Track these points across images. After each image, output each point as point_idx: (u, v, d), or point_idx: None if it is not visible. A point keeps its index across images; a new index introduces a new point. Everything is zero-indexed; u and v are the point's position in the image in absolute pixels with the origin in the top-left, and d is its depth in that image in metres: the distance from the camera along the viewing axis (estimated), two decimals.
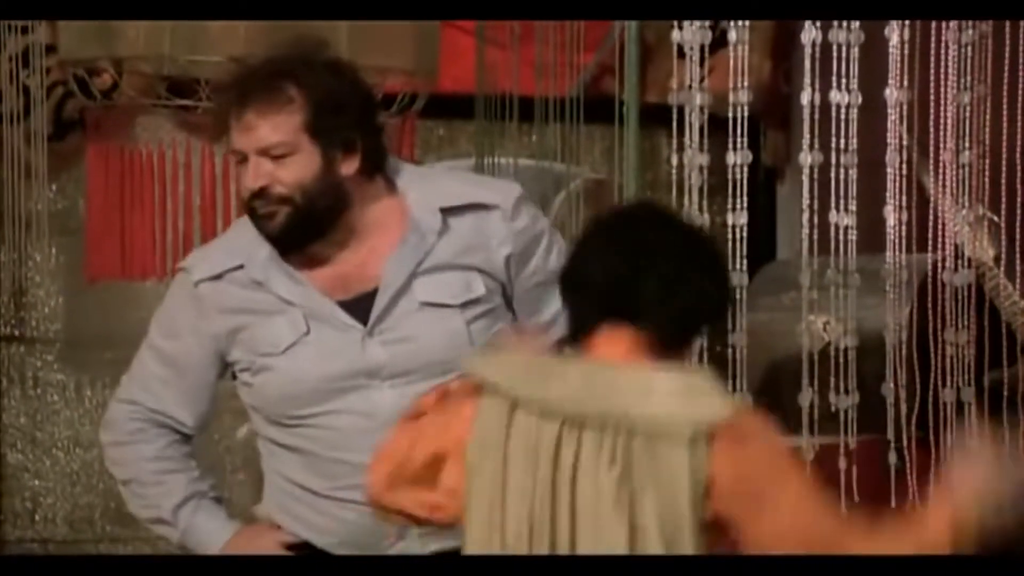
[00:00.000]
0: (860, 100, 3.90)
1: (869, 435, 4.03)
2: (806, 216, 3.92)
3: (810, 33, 3.86)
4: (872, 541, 2.35)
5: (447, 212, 2.81)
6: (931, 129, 4.03)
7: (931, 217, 4.07)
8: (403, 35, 3.99)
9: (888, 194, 3.97)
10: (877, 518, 2.50)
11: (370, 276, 2.80)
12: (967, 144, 4.02)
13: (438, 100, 4.24)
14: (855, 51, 3.88)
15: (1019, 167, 4.05)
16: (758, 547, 2.30)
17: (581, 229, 2.49)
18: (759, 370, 4.36)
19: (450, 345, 2.75)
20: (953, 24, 3.97)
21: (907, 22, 3.92)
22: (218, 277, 2.86)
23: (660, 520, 2.24)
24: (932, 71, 4.00)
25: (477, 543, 2.31)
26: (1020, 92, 4.03)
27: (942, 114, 4.02)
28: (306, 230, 2.78)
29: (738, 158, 3.93)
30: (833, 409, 3.95)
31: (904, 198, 3.97)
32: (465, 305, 2.76)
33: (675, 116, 3.94)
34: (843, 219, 3.91)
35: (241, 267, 2.85)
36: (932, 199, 4.11)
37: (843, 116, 3.89)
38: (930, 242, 4.05)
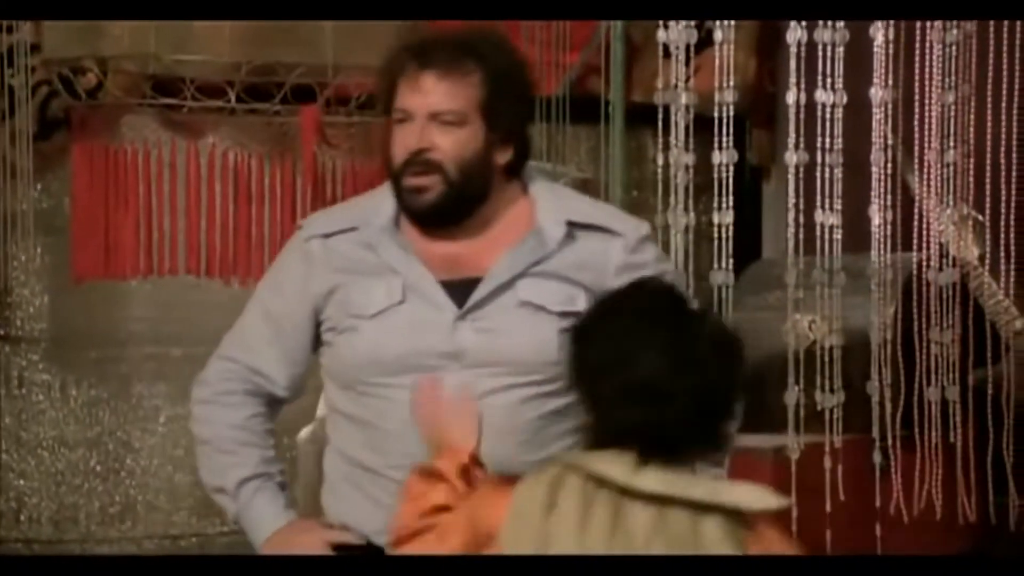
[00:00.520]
0: (845, 99, 3.91)
1: (854, 434, 4.04)
2: (792, 215, 3.93)
3: (795, 33, 3.87)
4: None
5: (573, 226, 2.82)
6: (916, 128, 4.04)
7: (916, 216, 4.08)
8: (388, 34, 4.00)
9: (873, 193, 3.98)
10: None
11: (480, 266, 2.80)
12: (952, 143, 4.03)
13: None
14: (840, 51, 3.89)
15: (1003, 166, 4.07)
16: None
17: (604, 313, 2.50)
18: (745, 369, 4.37)
19: (538, 348, 2.75)
20: (937, 24, 3.98)
21: (892, 22, 3.93)
22: (328, 236, 2.86)
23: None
24: (917, 71, 4.01)
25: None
26: (1004, 92, 4.04)
27: (927, 114, 4.03)
28: (453, 209, 2.79)
29: (724, 157, 3.94)
30: (819, 408, 3.96)
31: (889, 197, 3.98)
32: (563, 315, 2.76)
33: (661, 115, 3.94)
34: (828, 218, 3.92)
35: (355, 229, 2.85)
36: (917, 198, 4.12)
37: (828, 115, 3.90)
38: (915, 241, 4.06)
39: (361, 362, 2.80)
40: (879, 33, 3.93)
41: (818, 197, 3.92)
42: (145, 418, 5.15)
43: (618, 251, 2.83)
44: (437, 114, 2.77)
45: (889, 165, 3.98)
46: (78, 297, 4.98)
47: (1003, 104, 4.04)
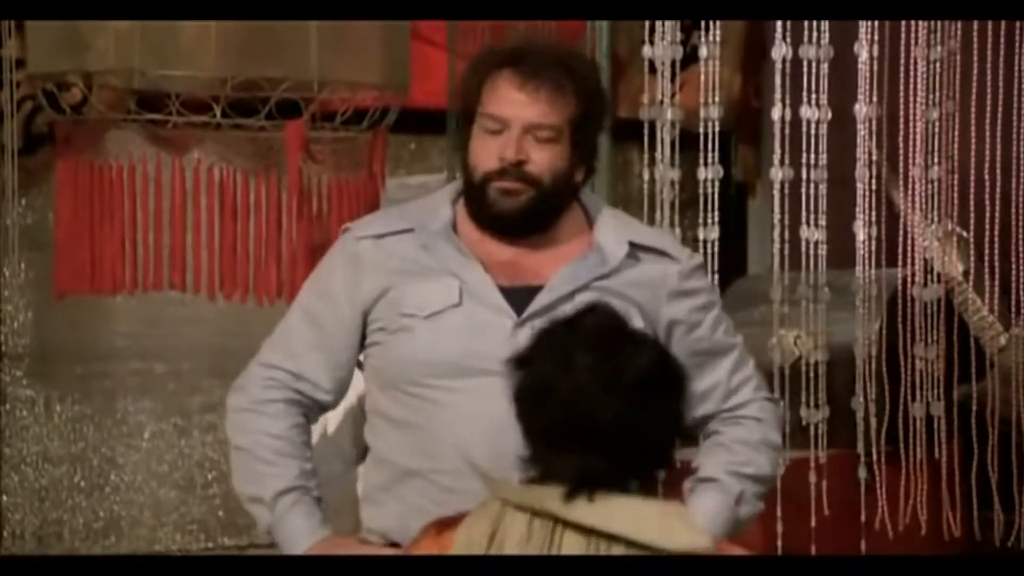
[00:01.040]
0: (830, 116, 3.92)
1: (839, 449, 4.05)
2: (777, 231, 3.94)
3: (780, 49, 3.88)
4: None
5: (635, 247, 2.85)
6: (900, 145, 4.05)
7: (901, 232, 4.09)
8: (374, 49, 4.00)
9: (858, 209, 3.99)
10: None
11: (540, 275, 2.81)
12: (936, 159, 4.04)
13: (409, 115, 4.24)
14: (825, 67, 3.90)
15: (987, 182, 4.08)
16: None
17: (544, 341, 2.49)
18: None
19: None
20: (922, 41, 3.99)
21: (876, 38, 3.94)
22: (381, 236, 2.85)
23: None
24: (901, 87, 4.03)
25: None
26: (988, 108, 4.06)
27: (911, 130, 4.04)
28: (537, 219, 2.79)
29: (709, 173, 3.95)
30: (804, 423, 3.96)
31: (874, 213, 3.99)
32: None
33: (646, 131, 3.95)
34: (813, 234, 3.93)
35: (410, 231, 2.83)
36: (901, 214, 4.13)
37: (813, 131, 3.91)
38: (900, 257, 4.07)
39: (414, 362, 2.77)
40: (863, 50, 3.94)
41: (803, 213, 3.93)
42: (129, 434, 5.14)
43: (674, 276, 2.86)
44: (535, 126, 2.77)
45: (874, 181, 3.99)
46: (62, 313, 4.96)
47: (987, 121, 4.06)
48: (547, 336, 2.48)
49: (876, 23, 3.93)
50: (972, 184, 4.08)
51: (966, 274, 4.22)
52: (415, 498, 2.78)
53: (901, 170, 4.09)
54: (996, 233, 4.09)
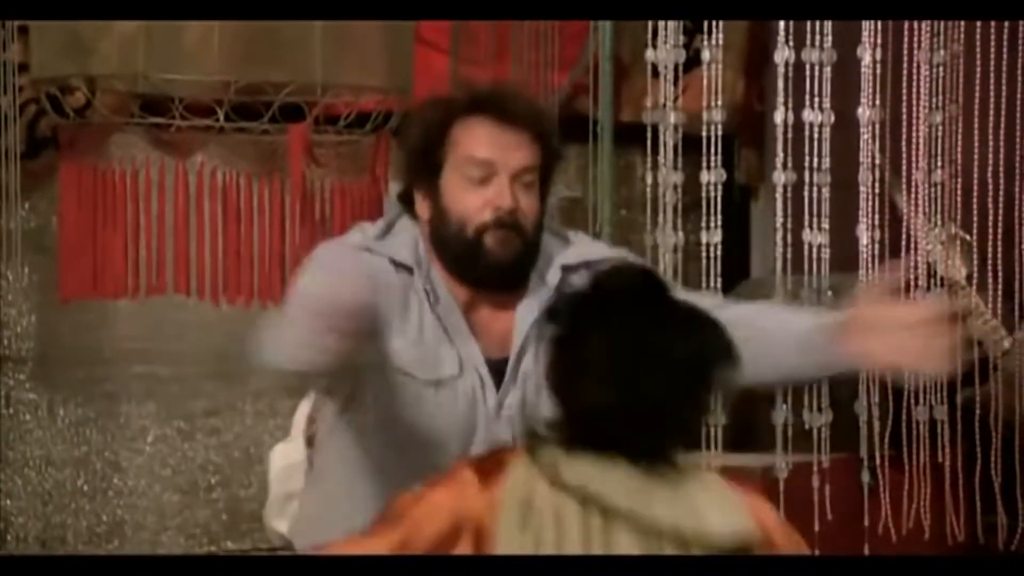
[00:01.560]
0: (833, 119, 3.92)
1: (842, 453, 4.04)
2: (780, 234, 3.94)
3: (783, 52, 3.88)
4: None
5: (567, 270, 2.73)
6: (903, 148, 4.05)
7: (904, 235, 4.08)
8: (377, 54, 4.00)
9: (861, 212, 3.98)
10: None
11: (508, 329, 2.69)
12: (939, 163, 4.04)
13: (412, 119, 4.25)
14: (828, 71, 3.90)
15: (990, 186, 4.08)
16: None
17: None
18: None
19: None
20: (925, 44, 3.99)
21: (879, 42, 3.94)
22: (382, 257, 2.68)
23: None
24: (904, 91, 4.02)
25: None
26: (991, 111, 4.06)
27: (914, 133, 4.04)
28: (522, 271, 2.69)
29: (712, 176, 3.94)
30: (807, 427, 3.96)
31: (877, 216, 3.99)
32: None
33: (649, 135, 3.95)
34: (816, 237, 3.92)
35: (411, 271, 2.68)
36: (904, 218, 4.13)
37: (816, 135, 3.91)
38: (903, 260, 4.07)
39: (405, 408, 2.66)
40: (866, 53, 3.94)
41: (806, 216, 3.92)
42: (133, 438, 5.14)
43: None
44: (521, 172, 2.65)
45: (877, 185, 3.99)
46: (66, 316, 4.97)
47: (990, 124, 4.06)
48: (584, 303, 2.35)
49: (879, 27, 3.93)
50: (975, 188, 4.08)
51: (969, 277, 4.22)
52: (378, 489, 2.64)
53: (904, 174, 4.09)
54: (999, 237, 4.09)
